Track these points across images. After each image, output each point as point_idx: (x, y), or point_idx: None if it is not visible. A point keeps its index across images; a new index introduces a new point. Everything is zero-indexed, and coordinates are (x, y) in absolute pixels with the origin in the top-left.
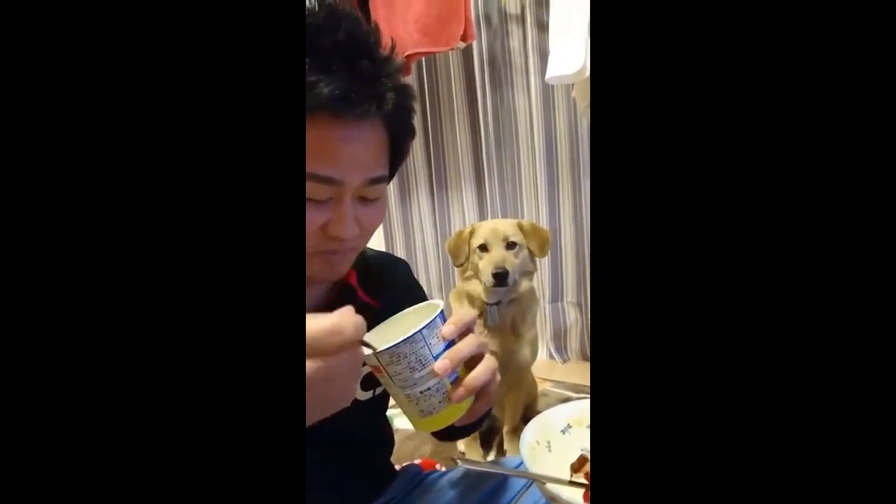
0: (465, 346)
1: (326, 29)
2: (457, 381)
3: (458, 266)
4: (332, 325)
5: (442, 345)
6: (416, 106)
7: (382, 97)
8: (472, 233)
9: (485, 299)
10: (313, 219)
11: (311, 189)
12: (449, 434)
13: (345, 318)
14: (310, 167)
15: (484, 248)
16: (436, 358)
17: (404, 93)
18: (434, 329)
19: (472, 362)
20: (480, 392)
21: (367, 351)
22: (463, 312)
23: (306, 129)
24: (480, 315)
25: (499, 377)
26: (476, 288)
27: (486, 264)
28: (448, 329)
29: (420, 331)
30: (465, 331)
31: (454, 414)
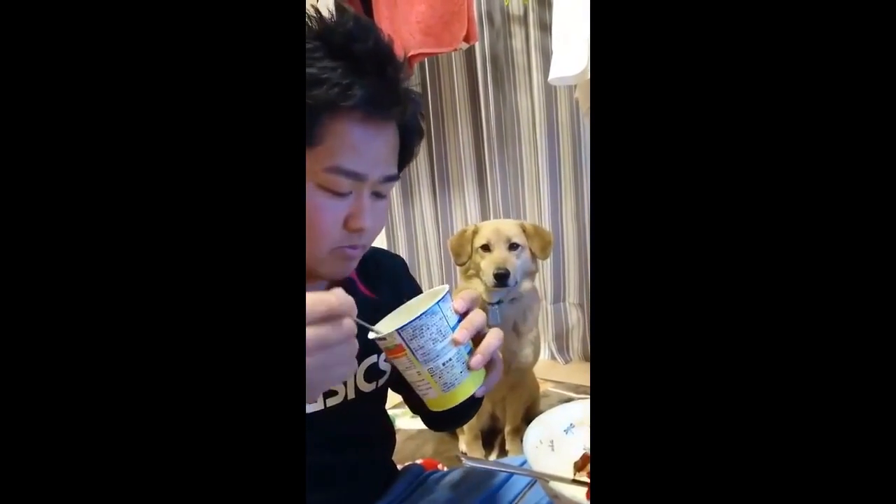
0: (477, 317)
1: (358, 36)
2: (471, 353)
3: (459, 265)
4: (315, 296)
5: (455, 318)
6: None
7: (402, 102)
8: (475, 232)
9: (486, 298)
10: (335, 212)
11: (336, 182)
12: (453, 419)
13: (329, 293)
14: (338, 161)
15: (486, 248)
16: (453, 329)
17: (416, 99)
18: (446, 304)
19: (478, 336)
20: (490, 362)
21: (378, 333)
22: (467, 290)
23: (337, 126)
24: None
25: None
26: (477, 287)
27: (487, 264)
28: (459, 302)
29: (437, 303)
30: (472, 305)
31: (473, 383)
